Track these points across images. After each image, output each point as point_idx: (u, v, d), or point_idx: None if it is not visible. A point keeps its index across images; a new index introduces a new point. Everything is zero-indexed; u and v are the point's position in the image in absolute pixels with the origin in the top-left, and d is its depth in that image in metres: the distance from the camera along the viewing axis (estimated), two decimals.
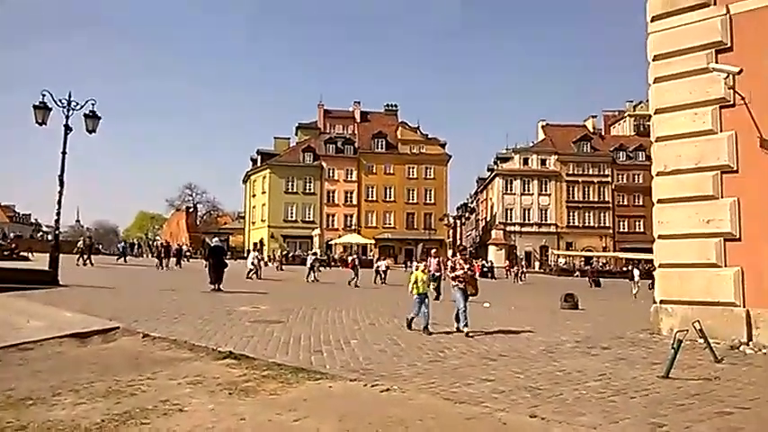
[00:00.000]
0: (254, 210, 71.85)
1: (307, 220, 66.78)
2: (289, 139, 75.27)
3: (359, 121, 74.48)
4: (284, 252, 51.34)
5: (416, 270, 10.98)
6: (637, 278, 29.89)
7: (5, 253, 33.73)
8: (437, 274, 19.15)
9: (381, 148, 69.59)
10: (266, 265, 36.82)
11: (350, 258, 32.03)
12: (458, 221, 68.33)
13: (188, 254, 41.54)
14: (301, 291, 21.55)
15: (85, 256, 30.19)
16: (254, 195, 71.61)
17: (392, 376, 6.65)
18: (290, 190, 67.47)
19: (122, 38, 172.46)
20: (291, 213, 67.18)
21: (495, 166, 74.49)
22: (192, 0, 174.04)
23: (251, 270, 25.95)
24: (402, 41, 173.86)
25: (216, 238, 21.30)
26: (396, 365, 7.34)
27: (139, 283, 21.01)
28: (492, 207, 73.61)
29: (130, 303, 13.23)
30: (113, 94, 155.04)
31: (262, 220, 68.56)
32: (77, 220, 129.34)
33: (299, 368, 6.87)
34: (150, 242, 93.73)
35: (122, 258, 38.08)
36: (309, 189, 67.76)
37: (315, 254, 32.13)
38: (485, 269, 44.11)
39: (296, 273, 33.16)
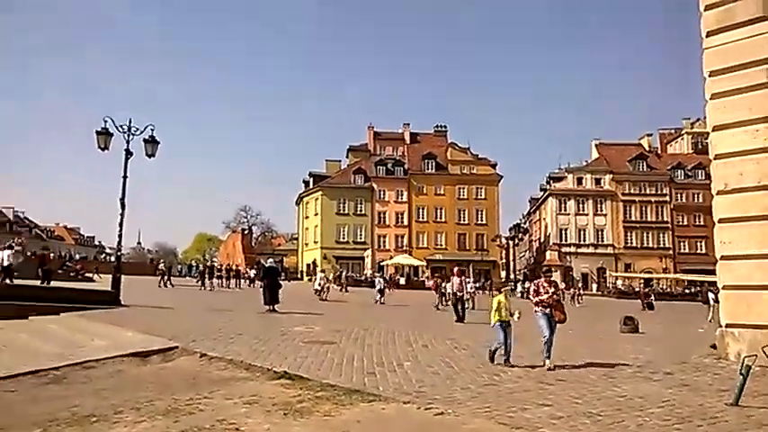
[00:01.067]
0: (306, 231, 72.82)
1: (358, 241, 67.18)
2: (340, 161, 76.28)
3: (408, 142, 74.85)
4: (337, 273, 51.65)
5: (499, 294, 9.73)
6: (712, 302, 28.32)
7: (71, 274, 35.22)
8: (459, 294, 18.78)
9: (431, 169, 69.62)
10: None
11: (431, 281, 31.12)
12: (510, 242, 67.34)
13: (244, 275, 42.37)
14: (357, 312, 21.62)
15: (165, 278, 32.62)
16: (306, 217, 72.65)
17: (446, 399, 6.57)
18: (341, 211, 68.13)
19: (184, 64, 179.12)
20: (343, 234, 67.74)
21: (548, 186, 73.35)
22: (246, 30, 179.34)
23: (318, 290, 26.13)
24: (449, 63, 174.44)
25: (270, 259, 21.64)
26: (449, 388, 7.25)
27: (197, 303, 21.52)
28: (546, 227, 72.34)
29: (189, 323, 13.56)
30: (173, 120, 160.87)
31: (314, 242, 69.38)
32: (138, 242, 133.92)
33: (353, 390, 6.87)
34: (206, 264, 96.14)
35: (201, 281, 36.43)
36: (360, 210, 68.26)
37: (383, 276, 31.98)
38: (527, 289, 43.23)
39: (359, 294, 33.43)
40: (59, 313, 13.90)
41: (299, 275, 68.01)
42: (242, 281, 40.18)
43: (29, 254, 30.93)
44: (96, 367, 8.45)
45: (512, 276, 63.69)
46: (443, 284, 25.15)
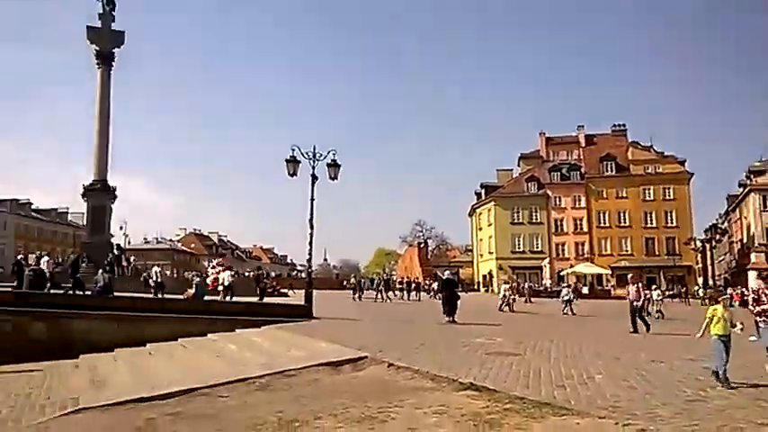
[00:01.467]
0: (481, 242, 72.48)
1: (535, 250, 65.30)
2: (511, 170, 74.97)
3: (584, 145, 71.37)
4: (513, 284, 50.63)
5: (717, 304, 8.63)
6: None
7: (269, 290, 38.53)
8: (636, 303, 17.10)
9: (611, 171, 65.67)
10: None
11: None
12: (707, 245, 61.03)
13: (424, 287, 43.68)
14: (541, 323, 21.03)
15: (359, 292, 35.19)
16: (480, 228, 72.34)
17: (646, 415, 6.10)
18: (515, 221, 66.77)
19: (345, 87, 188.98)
20: (518, 244, 66.29)
21: (749, 182, 65.45)
22: (420, 46, 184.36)
23: (502, 302, 26.02)
24: (624, 55, 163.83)
25: (447, 271, 21.92)
26: (648, 403, 6.73)
27: (380, 314, 22.39)
28: (748, 227, 64.53)
29: (374, 334, 14.14)
30: (348, 139, 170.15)
31: (489, 252, 68.76)
32: (325, 259, 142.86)
33: (543, 402, 6.66)
34: (387, 277, 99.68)
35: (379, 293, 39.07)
36: (536, 219, 66.35)
37: (569, 287, 30.89)
38: (744, 298, 38.58)
39: (541, 305, 32.64)
40: (261, 326, 15.26)
41: (475, 287, 67.83)
42: (421, 293, 41.35)
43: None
44: (296, 375, 9.11)
45: (710, 282, 57.61)
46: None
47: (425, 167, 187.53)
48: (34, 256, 37.56)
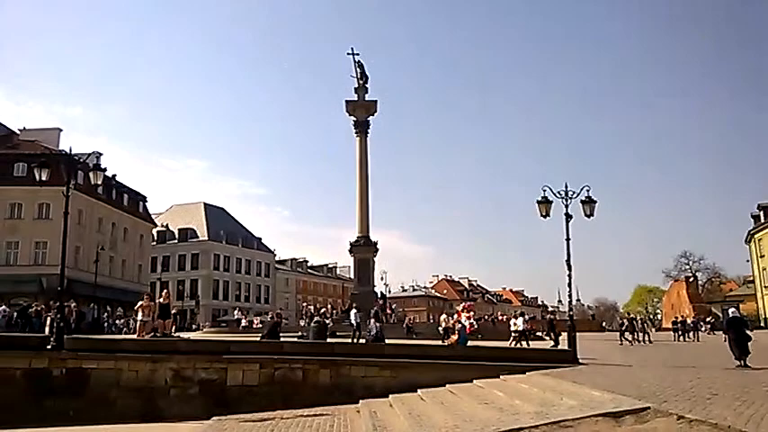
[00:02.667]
0: (764, 272, 62.71)
1: None
2: None
3: None
4: None
5: None
6: None
7: (531, 335, 38.00)
8: None
9: None
10: None
11: None
12: None
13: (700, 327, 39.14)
14: None
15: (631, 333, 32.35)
16: (762, 256, 62.73)
17: None
18: None
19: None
20: None
21: None
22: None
23: None
24: None
25: (732, 309, 19.27)
26: None
27: (650, 359, 20.48)
28: None
29: (650, 381, 12.90)
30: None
31: None
32: (578, 299, 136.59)
33: None
34: (651, 317, 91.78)
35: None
36: None
37: None
38: None
39: None
40: (525, 372, 14.98)
41: (761, 323, 58.48)
42: (699, 332, 37.03)
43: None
44: (573, 427, 8.70)
45: None
46: None
47: (682, 194, 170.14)
48: (311, 308, 42.45)
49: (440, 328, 25.86)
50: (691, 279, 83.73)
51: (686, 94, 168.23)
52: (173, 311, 25.89)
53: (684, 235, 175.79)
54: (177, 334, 26.56)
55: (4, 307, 31.96)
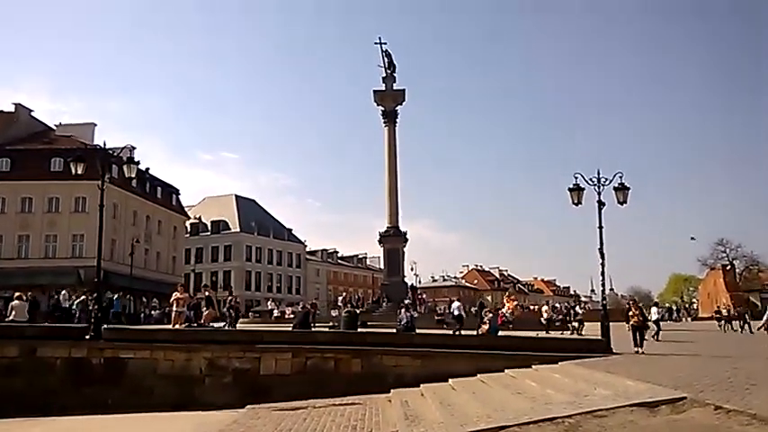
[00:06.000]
0: None
1: None
2: None
3: None
4: None
5: None
6: None
7: (556, 324, 37.58)
8: None
9: None
10: None
11: None
12: None
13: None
14: None
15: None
16: None
17: None
18: None
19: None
20: None
21: None
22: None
23: None
24: None
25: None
26: None
27: (686, 349, 20.08)
28: None
29: (687, 371, 12.68)
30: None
31: None
32: (611, 288, 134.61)
33: None
34: (687, 306, 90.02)
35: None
36: None
37: None
38: None
39: None
40: (557, 362, 14.84)
41: None
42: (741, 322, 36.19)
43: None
44: (607, 416, 8.58)
45: None
46: None
47: (720, 180, 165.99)
48: (340, 297, 42.69)
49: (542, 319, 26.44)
50: (728, 267, 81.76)
51: (730, 77, 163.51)
52: (229, 304, 27.40)
53: (721, 222, 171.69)
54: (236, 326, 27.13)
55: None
